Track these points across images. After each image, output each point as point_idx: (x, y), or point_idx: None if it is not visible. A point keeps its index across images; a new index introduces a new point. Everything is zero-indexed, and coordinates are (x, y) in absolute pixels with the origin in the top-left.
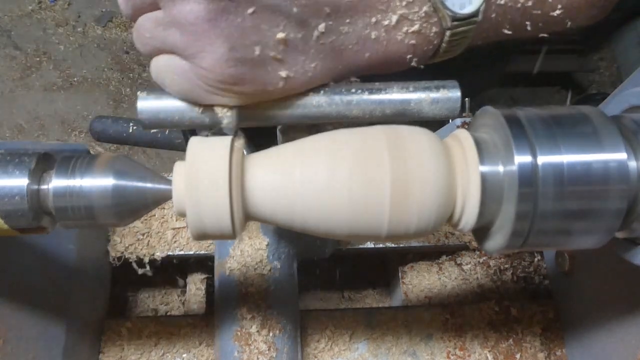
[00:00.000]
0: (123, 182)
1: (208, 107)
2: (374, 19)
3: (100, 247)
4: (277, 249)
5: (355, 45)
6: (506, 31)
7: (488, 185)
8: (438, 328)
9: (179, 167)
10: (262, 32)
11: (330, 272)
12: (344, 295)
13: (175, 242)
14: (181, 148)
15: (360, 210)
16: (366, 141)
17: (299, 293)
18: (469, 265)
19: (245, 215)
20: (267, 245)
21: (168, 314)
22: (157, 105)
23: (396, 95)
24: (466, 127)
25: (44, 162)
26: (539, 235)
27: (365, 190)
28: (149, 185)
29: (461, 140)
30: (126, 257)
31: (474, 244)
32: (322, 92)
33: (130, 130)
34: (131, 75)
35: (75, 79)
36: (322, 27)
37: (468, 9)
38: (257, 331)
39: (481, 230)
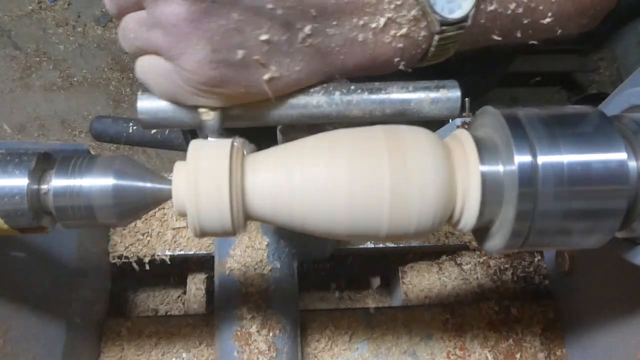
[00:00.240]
0: (123, 182)
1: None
2: (361, 22)
3: (100, 247)
4: (277, 249)
5: (342, 48)
6: (496, 37)
7: (488, 185)
8: (438, 328)
9: (179, 167)
10: (245, 34)
11: (330, 272)
12: (343, 295)
13: (175, 242)
14: (181, 148)
15: (360, 210)
16: (366, 141)
17: (299, 293)
18: (469, 265)
19: (245, 215)
20: (267, 245)
21: (168, 313)
22: (157, 105)
23: (396, 95)
24: (466, 127)
25: (44, 162)
26: (539, 235)
27: (365, 190)
28: (149, 185)
29: (461, 140)
30: (126, 257)
31: (474, 244)
32: (322, 92)
33: (130, 130)
34: (131, 75)
35: (75, 79)
36: (308, 29)
37: (457, 14)
38: (257, 331)
39: (481, 230)
